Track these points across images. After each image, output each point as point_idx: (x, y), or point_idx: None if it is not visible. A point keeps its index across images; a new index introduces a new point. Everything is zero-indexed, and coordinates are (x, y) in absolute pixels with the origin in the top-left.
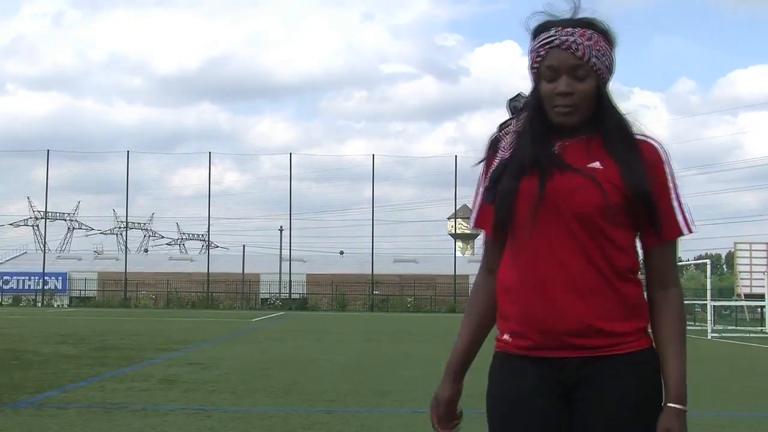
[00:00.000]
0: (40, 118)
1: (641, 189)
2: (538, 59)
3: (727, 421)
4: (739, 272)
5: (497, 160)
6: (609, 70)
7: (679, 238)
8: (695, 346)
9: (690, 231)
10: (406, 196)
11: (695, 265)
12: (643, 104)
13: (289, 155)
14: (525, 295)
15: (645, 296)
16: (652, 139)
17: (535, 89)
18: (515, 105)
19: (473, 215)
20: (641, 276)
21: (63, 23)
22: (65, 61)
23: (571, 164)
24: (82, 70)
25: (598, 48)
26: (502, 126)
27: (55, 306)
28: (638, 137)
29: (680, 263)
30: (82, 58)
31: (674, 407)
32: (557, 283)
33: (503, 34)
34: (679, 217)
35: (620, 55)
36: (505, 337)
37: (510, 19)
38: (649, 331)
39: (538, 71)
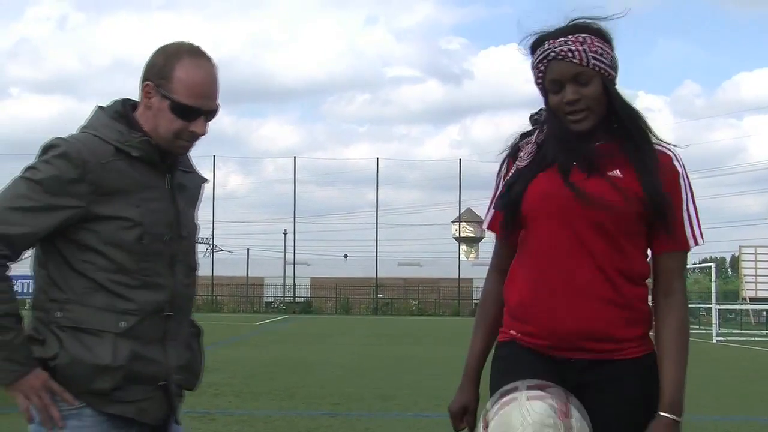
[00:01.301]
0: (43, 121)
1: (660, 198)
2: (540, 75)
3: (731, 425)
4: (744, 276)
5: (514, 168)
6: (612, 67)
7: (687, 250)
8: (700, 350)
9: (696, 243)
10: (410, 200)
11: (700, 268)
12: (647, 107)
13: (293, 159)
14: (536, 298)
15: (650, 301)
16: (669, 148)
17: (546, 103)
18: (537, 118)
19: (487, 217)
20: (649, 281)
21: (67, 27)
22: (69, 64)
23: (596, 169)
24: (86, 74)
25: (594, 49)
26: (524, 136)
27: None
28: (656, 146)
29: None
30: (86, 61)
31: (666, 417)
32: (568, 288)
33: (507, 37)
34: (687, 230)
35: (625, 58)
36: (512, 331)
37: (514, 22)
38: (651, 334)
39: (543, 86)
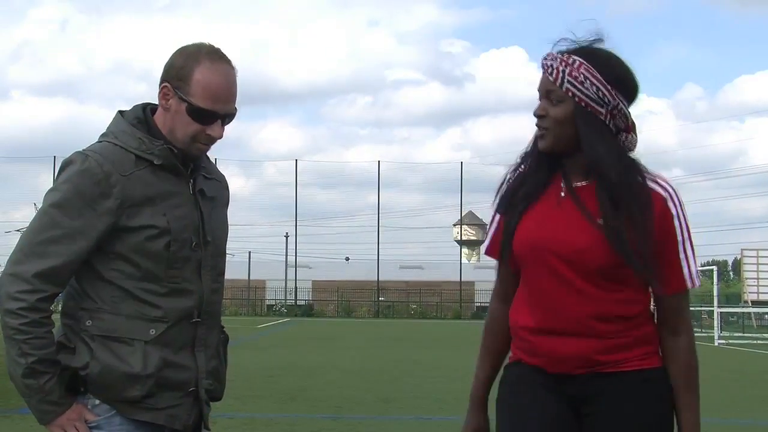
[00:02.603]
0: (45, 124)
1: (628, 259)
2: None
3: (734, 428)
4: (746, 279)
5: (509, 190)
6: (594, 100)
7: (686, 291)
8: (702, 353)
9: (693, 285)
10: (411, 203)
11: (702, 271)
12: (650, 110)
13: (294, 162)
14: (535, 331)
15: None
16: (664, 186)
17: None
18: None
19: (486, 242)
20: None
21: (68, 29)
22: (71, 67)
23: (580, 206)
24: (87, 76)
25: (575, 75)
26: (524, 158)
27: None
28: (648, 183)
29: None
30: (87, 64)
31: None
32: (566, 327)
33: (509, 40)
34: (685, 272)
35: (627, 61)
36: (518, 353)
37: (516, 25)
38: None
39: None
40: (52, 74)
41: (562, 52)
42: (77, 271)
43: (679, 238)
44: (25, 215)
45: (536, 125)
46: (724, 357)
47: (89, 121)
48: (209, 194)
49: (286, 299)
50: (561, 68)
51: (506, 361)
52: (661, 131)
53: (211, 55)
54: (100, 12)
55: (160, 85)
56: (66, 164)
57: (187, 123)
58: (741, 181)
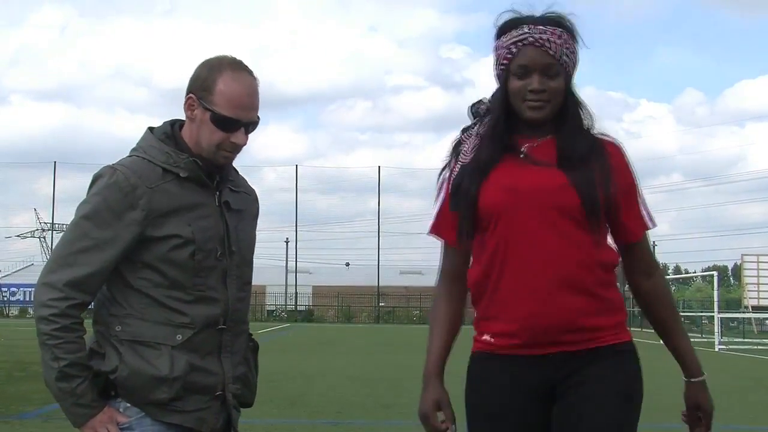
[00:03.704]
0: (44, 129)
1: (593, 201)
2: (508, 56)
3: None
4: (747, 284)
5: (458, 166)
6: (575, 65)
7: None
8: (702, 359)
9: (653, 225)
10: (412, 208)
11: (702, 276)
12: (650, 115)
13: (295, 167)
14: (513, 293)
15: (620, 289)
16: (609, 136)
17: (502, 87)
18: (477, 110)
19: (432, 221)
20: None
21: (68, 34)
22: (70, 71)
23: (543, 161)
24: (86, 81)
25: (567, 46)
26: (465, 130)
27: None
28: (601, 137)
29: (687, 275)
30: (87, 69)
31: (697, 381)
32: (545, 279)
33: None
34: (644, 213)
35: (626, 66)
36: (486, 337)
37: None
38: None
39: (506, 68)
40: (52, 79)
41: (543, 24)
42: (107, 279)
43: (636, 182)
44: (25, 220)
45: (530, 99)
46: (724, 362)
47: (89, 127)
48: (235, 206)
49: (286, 304)
50: (558, 42)
51: (472, 347)
52: (661, 136)
53: (233, 66)
54: (100, 16)
55: (185, 96)
56: (96, 178)
57: (211, 131)
58: (741, 187)
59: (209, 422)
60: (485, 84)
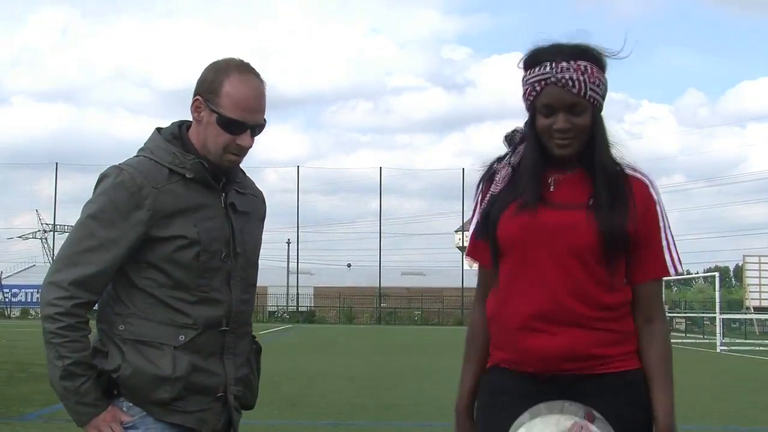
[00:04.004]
0: (45, 130)
1: (619, 235)
2: (533, 93)
3: None
4: (748, 285)
5: (489, 194)
6: (603, 97)
7: (665, 277)
8: (704, 360)
9: (676, 272)
10: (413, 209)
11: (704, 277)
12: (651, 116)
13: (296, 168)
14: (513, 325)
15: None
16: (642, 174)
17: (531, 119)
18: (511, 138)
19: (468, 246)
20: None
21: (69, 35)
22: (71, 73)
23: (565, 200)
24: (87, 82)
25: (593, 80)
26: (500, 159)
27: None
28: (629, 173)
29: (689, 276)
30: (87, 70)
31: None
32: (550, 317)
33: (510, 46)
34: (667, 257)
35: (628, 67)
36: (496, 359)
37: (517, 31)
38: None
39: (533, 105)
40: (53, 80)
41: (566, 60)
42: (113, 278)
43: (662, 224)
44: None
45: (558, 137)
46: (726, 363)
47: (90, 127)
48: (241, 208)
49: (287, 305)
50: (582, 78)
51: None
52: (662, 137)
53: (240, 68)
54: (101, 17)
55: (192, 98)
56: (102, 177)
57: (217, 133)
58: (743, 188)
59: (210, 423)
60: (486, 85)
